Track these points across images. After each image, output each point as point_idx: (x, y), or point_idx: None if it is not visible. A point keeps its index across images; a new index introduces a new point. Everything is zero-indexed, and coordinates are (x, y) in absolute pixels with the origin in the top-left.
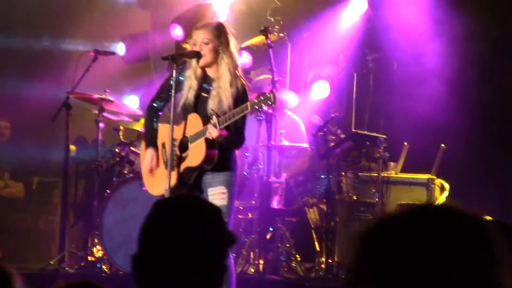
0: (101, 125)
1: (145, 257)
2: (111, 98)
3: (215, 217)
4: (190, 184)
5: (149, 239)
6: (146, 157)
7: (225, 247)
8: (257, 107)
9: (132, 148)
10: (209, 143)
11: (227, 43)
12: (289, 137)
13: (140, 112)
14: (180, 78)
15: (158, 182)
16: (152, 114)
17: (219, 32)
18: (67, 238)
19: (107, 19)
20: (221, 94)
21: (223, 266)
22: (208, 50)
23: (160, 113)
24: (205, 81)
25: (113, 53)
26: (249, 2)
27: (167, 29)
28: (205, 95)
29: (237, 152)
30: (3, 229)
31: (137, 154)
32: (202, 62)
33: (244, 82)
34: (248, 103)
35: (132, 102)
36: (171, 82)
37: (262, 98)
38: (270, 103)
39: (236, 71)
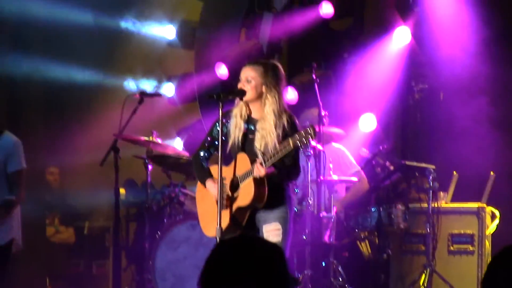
0: (150, 167)
1: None
2: (158, 140)
3: (278, 257)
4: (244, 224)
5: (211, 281)
6: (208, 188)
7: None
8: (299, 143)
9: (182, 190)
10: (258, 181)
11: (275, 84)
12: (337, 169)
13: (186, 154)
14: (224, 127)
15: (212, 224)
16: (199, 162)
17: (266, 70)
18: (121, 281)
19: (152, 60)
20: (266, 136)
21: None
22: (251, 87)
23: (206, 162)
24: (250, 122)
25: (159, 95)
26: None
27: (212, 69)
28: (251, 136)
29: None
30: (57, 275)
31: (187, 195)
32: (244, 98)
33: (291, 116)
34: (290, 140)
35: (177, 144)
36: (216, 130)
37: (303, 133)
38: (310, 137)
39: (282, 111)
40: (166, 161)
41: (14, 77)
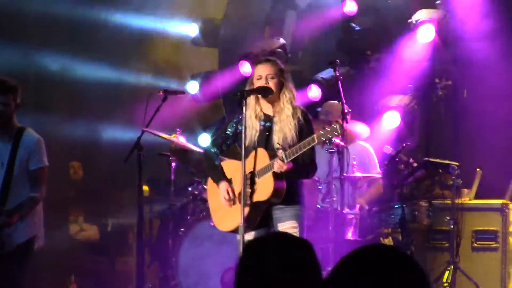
0: (174, 164)
1: None
2: (182, 138)
3: (311, 251)
4: (258, 219)
5: (247, 282)
6: (221, 191)
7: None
8: (323, 139)
9: (205, 186)
10: (277, 176)
11: (288, 78)
12: (360, 167)
13: None
14: (239, 127)
15: (226, 218)
16: (211, 158)
17: (281, 66)
18: (144, 278)
19: (175, 58)
20: (284, 128)
21: None
22: (274, 84)
23: (217, 158)
24: (267, 119)
25: (183, 92)
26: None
27: (235, 67)
28: (268, 133)
29: (309, 185)
30: (81, 271)
31: None
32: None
33: (304, 111)
34: (315, 135)
35: (204, 141)
36: (232, 128)
37: (329, 129)
38: (336, 134)
39: (296, 104)
40: (189, 158)
41: (41, 74)
